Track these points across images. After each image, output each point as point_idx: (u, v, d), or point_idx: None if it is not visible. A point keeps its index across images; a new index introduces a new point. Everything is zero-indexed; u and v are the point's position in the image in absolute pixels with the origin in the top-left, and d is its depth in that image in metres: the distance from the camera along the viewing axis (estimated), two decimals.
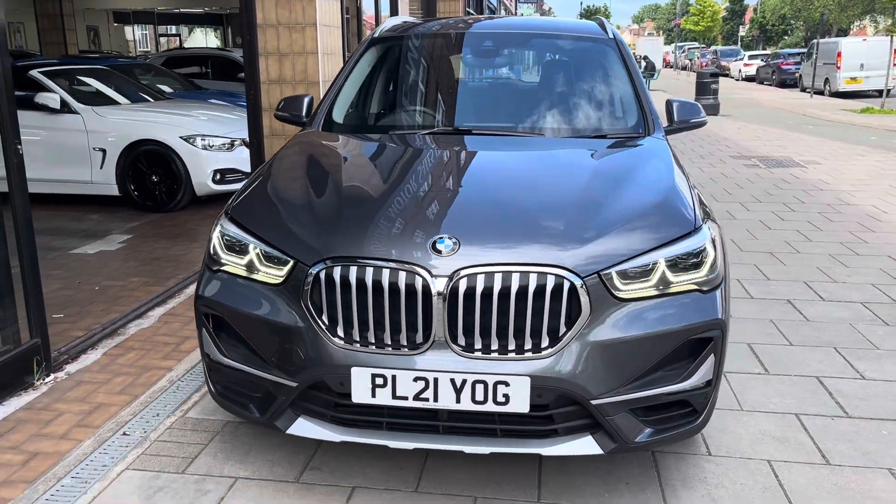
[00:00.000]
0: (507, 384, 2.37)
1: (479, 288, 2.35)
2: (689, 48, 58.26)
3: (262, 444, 3.02)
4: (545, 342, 2.38)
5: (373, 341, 2.44)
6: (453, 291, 2.36)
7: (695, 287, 2.54)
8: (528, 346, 2.38)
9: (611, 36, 4.08)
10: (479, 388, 2.38)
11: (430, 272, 2.37)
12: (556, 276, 2.36)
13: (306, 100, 3.87)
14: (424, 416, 2.50)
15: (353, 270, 2.42)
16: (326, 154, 3.32)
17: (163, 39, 27.47)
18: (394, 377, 2.40)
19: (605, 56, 4.00)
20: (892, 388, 3.59)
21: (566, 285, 2.37)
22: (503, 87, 4.03)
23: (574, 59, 4.10)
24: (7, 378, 3.40)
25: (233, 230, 2.73)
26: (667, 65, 61.96)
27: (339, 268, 2.43)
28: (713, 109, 18.32)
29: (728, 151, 12.02)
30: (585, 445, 2.47)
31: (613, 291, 2.42)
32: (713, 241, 2.66)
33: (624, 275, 2.45)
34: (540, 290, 2.36)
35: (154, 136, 7.32)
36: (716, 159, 11.17)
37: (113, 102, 8.11)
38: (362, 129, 3.77)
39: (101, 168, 7.44)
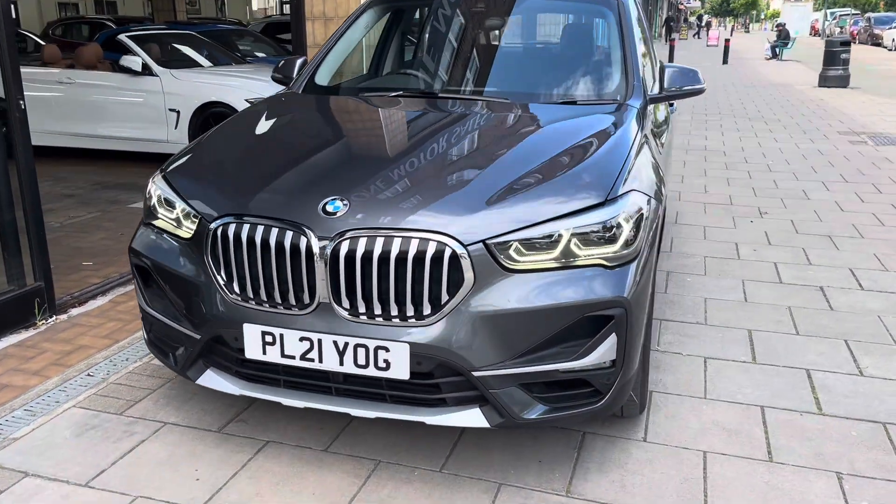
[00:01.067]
0: (387, 350, 2.35)
1: (360, 251, 2.32)
2: (841, 15, 53.86)
3: (204, 394, 3.14)
4: (427, 310, 2.33)
5: (265, 299, 2.47)
6: (335, 254, 2.34)
7: (602, 262, 2.39)
8: (410, 312, 2.34)
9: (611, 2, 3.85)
10: (361, 352, 2.37)
11: (314, 233, 2.36)
12: (438, 242, 2.30)
13: (298, 61, 3.91)
14: (319, 376, 2.52)
15: (245, 228, 2.45)
16: (275, 115, 3.33)
17: (286, 7, 28.42)
18: (281, 336, 2.43)
19: (601, 19, 3.79)
20: (889, 386, 3.25)
21: (447, 252, 2.30)
22: (485, 52, 3.90)
23: (568, 23, 3.91)
24: (8, 316, 3.71)
25: (162, 187, 2.83)
26: (815, 33, 57.70)
27: (234, 225, 2.48)
28: (841, 81, 16.96)
29: (838, 126, 11.10)
30: (472, 418, 2.41)
31: (502, 261, 2.32)
32: (634, 216, 2.49)
33: (520, 244, 2.34)
34: (420, 256, 2.30)
35: (221, 98, 7.63)
36: (819, 135, 10.36)
37: (196, 66, 8.52)
38: (336, 91, 3.76)
39: (175, 128, 7.86)
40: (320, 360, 2.42)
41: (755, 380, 3.31)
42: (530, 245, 2.36)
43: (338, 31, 3.98)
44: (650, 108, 3.50)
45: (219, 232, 2.50)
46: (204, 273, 2.56)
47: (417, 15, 4.03)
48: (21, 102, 3.71)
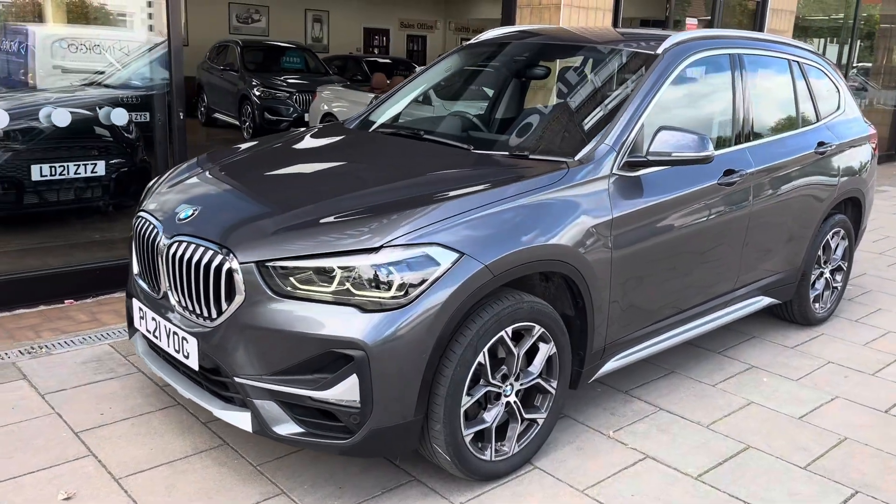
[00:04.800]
0: (186, 340, 2.76)
1: (177, 252, 2.78)
2: None
3: None
4: (214, 313, 2.67)
5: (142, 281, 3.06)
6: (167, 251, 2.82)
7: (372, 304, 2.47)
8: (205, 312, 2.71)
9: (656, 51, 3.56)
10: (174, 338, 2.82)
11: (163, 232, 2.88)
12: (222, 256, 2.63)
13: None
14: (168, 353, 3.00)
15: (137, 222, 3.08)
16: (288, 141, 3.82)
17: None
18: (144, 313, 3.00)
19: (622, 70, 3.55)
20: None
21: (226, 266, 2.62)
22: (496, 101, 3.87)
23: (592, 74, 3.71)
24: None
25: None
26: None
27: (137, 219, 3.12)
28: None
29: None
30: (241, 419, 2.67)
31: (273, 284, 2.55)
32: (416, 268, 2.49)
33: (293, 271, 2.54)
34: (208, 265, 2.66)
35: None
36: None
37: None
38: (367, 125, 4.07)
39: None
40: (159, 339, 2.92)
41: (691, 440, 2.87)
42: (305, 275, 2.53)
43: (419, 72, 4.36)
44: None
45: (133, 225, 3.16)
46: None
47: (469, 63, 4.20)
48: (181, 114, 4.83)
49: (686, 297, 3.64)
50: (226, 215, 2.82)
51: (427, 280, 2.51)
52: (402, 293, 2.49)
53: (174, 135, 4.83)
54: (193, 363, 2.75)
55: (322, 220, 2.67)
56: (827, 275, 4.79)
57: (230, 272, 2.61)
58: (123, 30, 5.04)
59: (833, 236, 4.72)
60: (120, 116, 4.70)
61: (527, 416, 2.98)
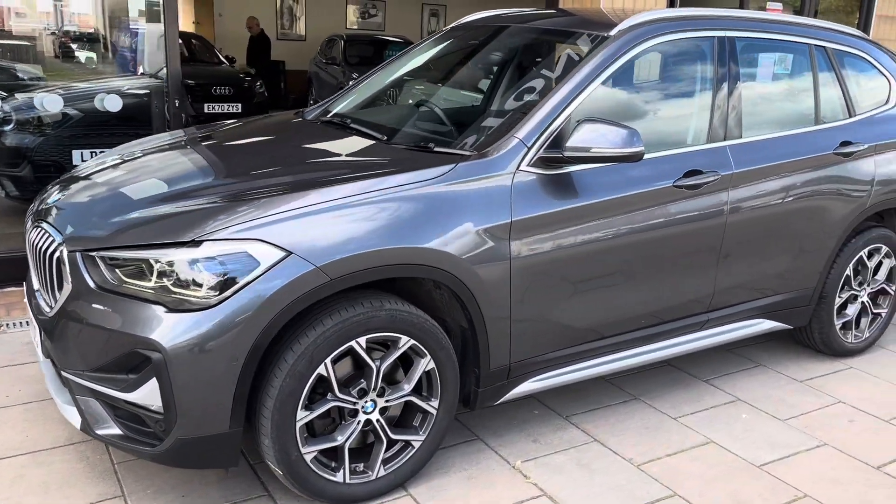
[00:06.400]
0: (35, 329, 2.69)
1: (32, 239, 2.71)
2: None
3: None
4: (52, 302, 2.57)
5: None
6: (27, 237, 2.76)
7: (187, 302, 2.28)
8: (50, 301, 2.61)
9: (608, 33, 3.12)
10: (33, 326, 2.75)
11: (32, 219, 2.82)
12: (56, 244, 2.52)
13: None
14: None
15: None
16: (222, 129, 3.64)
17: None
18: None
19: (569, 55, 3.12)
20: None
21: (56, 254, 2.51)
22: (443, 90, 3.49)
23: (536, 60, 3.29)
24: None
25: None
26: None
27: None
28: None
29: None
30: (73, 416, 2.54)
31: (94, 274, 2.40)
32: (233, 265, 2.28)
33: (111, 263, 2.39)
34: (46, 252, 2.57)
35: None
36: None
37: None
38: (325, 113, 3.83)
39: None
40: (30, 326, 2.87)
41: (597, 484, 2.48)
42: (130, 268, 2.37)
43: (384, 63, 4.10)
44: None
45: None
46: None
47: (440, 50, 3.88)
48: (177, 101, 4.85)
49: (629, 316, 3.17)
50: (83, 204, 2.73)
51: (242, 280, 2.28)
52: (214, 293, 2.28)
53: (172, 121, 4.86)
54: (39, 352, 2.68)
55: (160, 211, 2.50)
56: (864, 298, 4.08)
57: (59, 261, 2.50)
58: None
59: (870, 254, 4.00)
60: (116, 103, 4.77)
61: (396, 437, 2.68)
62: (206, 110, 11.17)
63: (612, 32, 3.12)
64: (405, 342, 2.59)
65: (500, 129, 2.91)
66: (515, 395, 3.00)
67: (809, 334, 4.01)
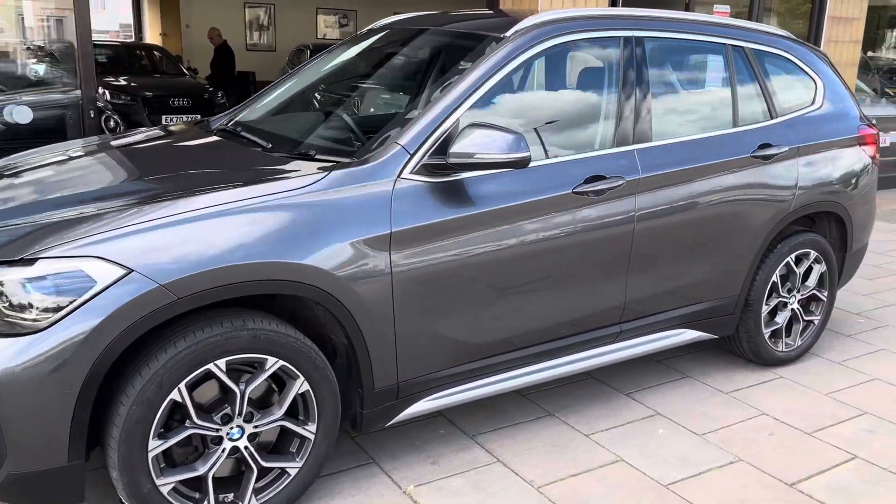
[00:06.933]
0: None
1: None
2: None
3: None
4: None
5: None
6: None
7: (4, 324, 2.12)
8: None
9: (503, 34, 2.98)
10: None
11: None
12: None
13: None
14: None
15: None
16: (116, 139, 3.49)
17: None
18: None
19: (463, 57, 2.99)
20: None
21: None
22: (344, 96, 3.35)
23: (433, 64, 3.15)
24: None
25: None
26: None
27: None
28: None
29: None
30: None
31: None
32: (61, 285, 2.11)
33: None
34: None
35: None
36: None
37: None
38: (223, 124, 3.68)
39: None
40: None
41: None
42: None
43: (290, 70, 3.96)
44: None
45: None
46: None
47: (348, 56, 3.73)
48: (91, 112, 4.69)
49: (532, 329, 3.02)
50: None
51: (75, 301, 2.12)
52: (47, 315, 2.11)
53: (88, 133, 4.70)
54: None
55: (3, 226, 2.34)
56: (794, 306, 3.95)
57: None
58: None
59: (798, 260, 3.88)
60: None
61: (269, 464, 2.51)
62: (163, 121, 11.01)
63: (508, 33, 2.99)
64: (273, 363, 2.43)
65: (383, 135, 2.76)
66: (410, 416, 2.84)
67: (738, 344, 3.88)
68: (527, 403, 3.47)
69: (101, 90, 11.50)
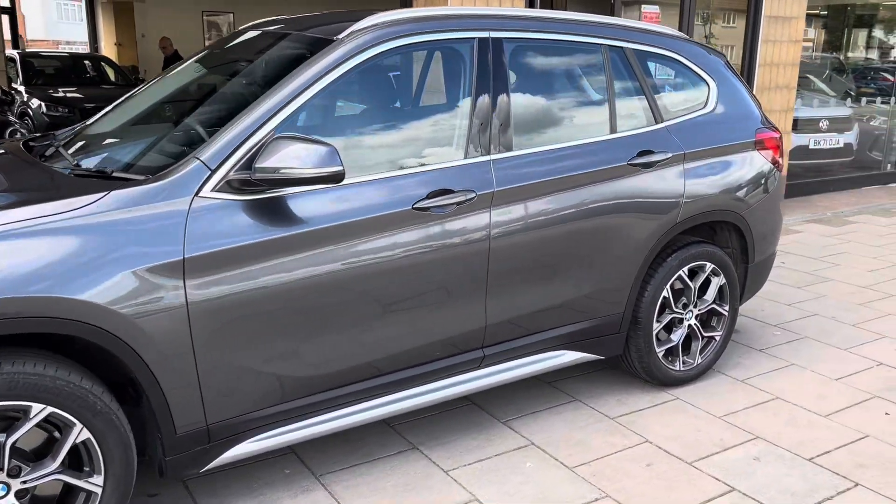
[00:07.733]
0: None
1: None
2: None
3: None
4: None
5: None
6: None
7: None
8: None
9: (335, 37, 2.73)
10: None
11: None
12: None
13: None
14: None
15: None
16: None
17: None
18: None
19: (290, 63, 2.73)
20: None
21: None
22: (184, 110, 3.09)
23: (262, 71, 2.89)
24: None
25: None
26: None
27: None
28: None
29: None
30: None
31: None
32: None
33: None
34: None
35: None
36: None
37: None
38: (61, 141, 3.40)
39: None
40: None
41: None
42: None
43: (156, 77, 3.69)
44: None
45: None
46: None
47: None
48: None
49: (376, 358, 2.76)
50: None
51: None
52: None
53: None
54: None
55: None
56: (691, 322, 3.70)
57: None
58: None
59: (692, 273, 3.63)
60: None
61: None
62: None
63: (341, 35, 2.73)
64: (39, 410, 2.15)
65: (182, 149, 2.50)
66: (234, 459, 2.57)
67: (630, 364, 3.63)
68: (391, 435, 3.20)
69: (36, 102, 11.21)
